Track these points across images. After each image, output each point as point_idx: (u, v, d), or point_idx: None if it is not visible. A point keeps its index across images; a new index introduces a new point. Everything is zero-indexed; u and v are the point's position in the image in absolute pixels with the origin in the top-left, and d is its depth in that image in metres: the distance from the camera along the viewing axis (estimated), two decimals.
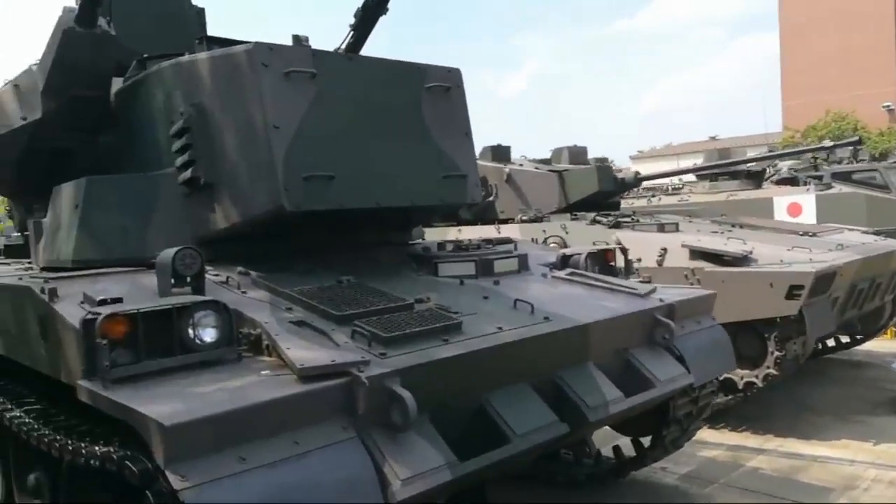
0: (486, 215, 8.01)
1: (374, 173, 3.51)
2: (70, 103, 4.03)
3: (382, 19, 3.91)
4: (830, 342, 7.89)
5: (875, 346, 8.28)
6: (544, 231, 6.90)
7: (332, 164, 3.35)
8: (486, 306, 3.22)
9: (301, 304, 2.86)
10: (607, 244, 5.32)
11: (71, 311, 2.52)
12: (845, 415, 6.10)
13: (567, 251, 4.26)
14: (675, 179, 14.96)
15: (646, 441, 4.35)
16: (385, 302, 2.96)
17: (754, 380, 5.70)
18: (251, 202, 3.31)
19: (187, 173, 3.44)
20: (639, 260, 5.63)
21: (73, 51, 3.83)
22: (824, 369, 7.62)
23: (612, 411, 3.15)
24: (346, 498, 2.16)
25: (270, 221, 3.35)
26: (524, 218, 7.71)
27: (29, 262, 4.09)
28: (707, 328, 3.97)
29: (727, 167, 10.59)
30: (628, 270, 4.47)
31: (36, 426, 2.76)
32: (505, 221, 7.82)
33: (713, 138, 47.91)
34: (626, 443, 4.51)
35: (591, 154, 9.11)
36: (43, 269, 3.73)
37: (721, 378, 4.69)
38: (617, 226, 6.53)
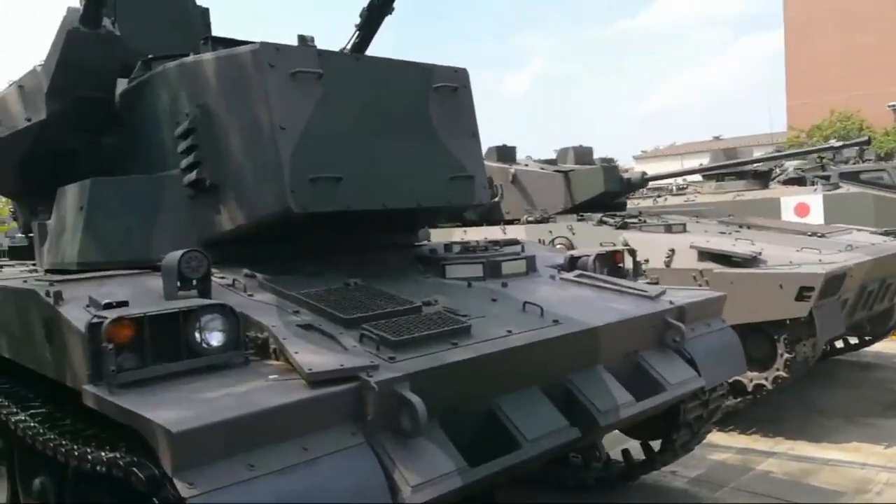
0: (491, 216, 7.98)
1: (381, 174, 3.48)
2: (75, 104, 4.01)
3: (388, 19, 3.88)
4: (839, 343, 7.84)
5: (884, 347, 8.21)
6: (550, 232, 6.85)
7: (338, 166, 3.32)
8: (495, 309, 3.19)
9: (308, 307, 2.83)
10: (615, 245, 5.27)
11: (76, 314, 2.50)
12: (855, 417, 6.04)
13: (575, 253, 4.22)
14: (680, 180, 14.95)
15: (656, 444, 4.32)
16: (393, 305, 2.92)
17: (764, 382, 5.65)
18: (257, 204, 3.28)
19: (193, 175, 3.42)
20: (646, 261, 5.57)
21: (77, 51, 3.81)
22: (833, 371, 7.56)
23: (622, 415, 3.11)
24: None
25: (277, 223, 3.32)
26: (530, 219, 7.65)
27: (33, 264, 4.08)
28: (717, 330, 3.94)
29: (734, 167, 10.53)
30: (637, 272, 4.44)
31: (41, 430, 2.73)
32: (510, 222, 7.78)
33: (717, 138, 47.94)
34: (635, 446, 4.47)
35: (594, 154, 9.06)
36: (47, 271, 3.72)
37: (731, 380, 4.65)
38: (624, 227, 6.48)
